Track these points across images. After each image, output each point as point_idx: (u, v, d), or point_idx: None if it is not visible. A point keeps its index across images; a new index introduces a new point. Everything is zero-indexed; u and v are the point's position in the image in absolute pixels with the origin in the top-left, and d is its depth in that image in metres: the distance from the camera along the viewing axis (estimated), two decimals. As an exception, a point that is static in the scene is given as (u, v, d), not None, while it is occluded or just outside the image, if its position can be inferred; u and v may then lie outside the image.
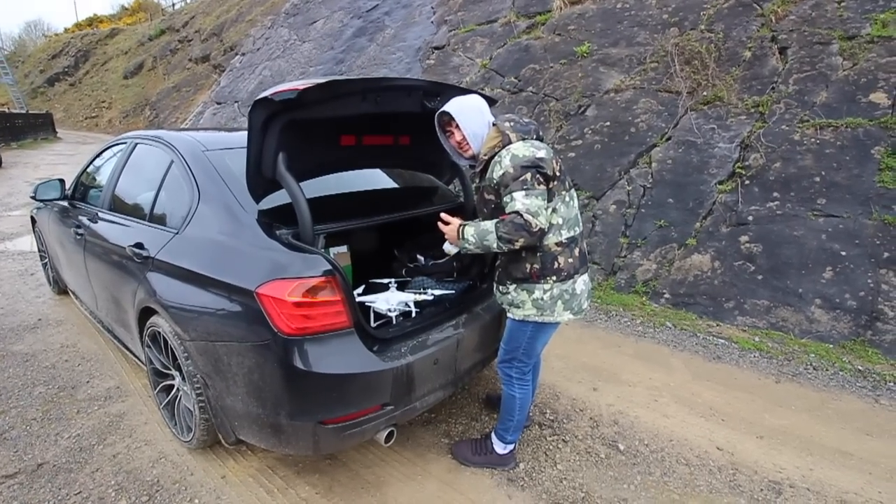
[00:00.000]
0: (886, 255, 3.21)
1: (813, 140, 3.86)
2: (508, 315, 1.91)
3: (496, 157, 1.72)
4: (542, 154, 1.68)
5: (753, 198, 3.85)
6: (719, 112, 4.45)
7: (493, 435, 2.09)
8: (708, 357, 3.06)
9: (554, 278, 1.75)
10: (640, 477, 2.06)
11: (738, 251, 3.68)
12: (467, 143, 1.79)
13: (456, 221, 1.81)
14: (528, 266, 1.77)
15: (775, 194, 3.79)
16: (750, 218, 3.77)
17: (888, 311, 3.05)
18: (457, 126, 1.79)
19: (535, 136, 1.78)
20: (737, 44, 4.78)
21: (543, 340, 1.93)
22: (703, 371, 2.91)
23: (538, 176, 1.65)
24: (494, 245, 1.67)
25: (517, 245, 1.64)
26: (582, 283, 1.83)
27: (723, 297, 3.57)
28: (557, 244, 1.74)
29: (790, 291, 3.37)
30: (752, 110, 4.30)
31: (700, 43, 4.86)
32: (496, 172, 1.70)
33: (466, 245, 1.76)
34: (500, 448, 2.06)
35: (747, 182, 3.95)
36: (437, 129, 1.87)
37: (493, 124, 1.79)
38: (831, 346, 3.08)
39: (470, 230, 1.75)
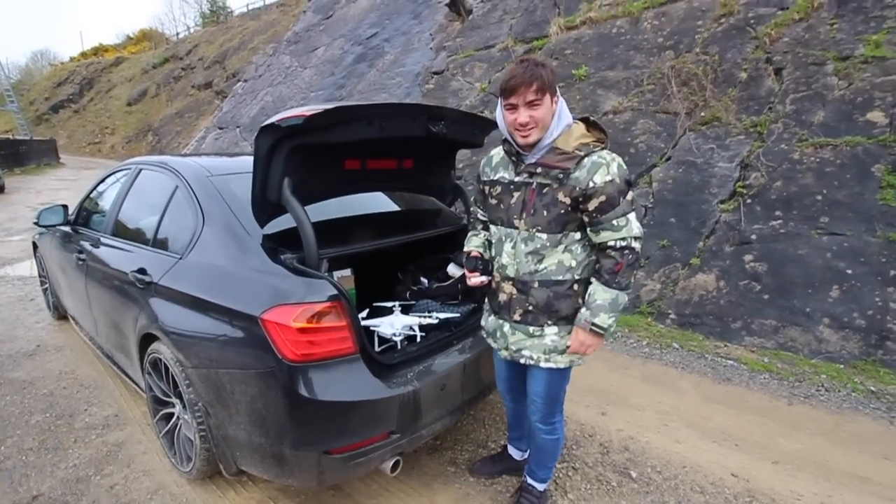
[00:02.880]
0: (893, 272, 3.19)
1: (813, 159, 3.89)
2: (544, 366, 1.58)
3: (594, 158, 1.43)
4: None
5: (756, 216, 3.86)
6: (718, 132, 4.50)
7: (533, 482, 1.90)
8: (717, 379, 3.01)
9: None
10: (655, 506, 1.99)
11: (742, 270, 3.67)
12: (539, 124, 1.44)
13: (586, 338, 1.48)
14: (581, 300, 1.51)
15: (777, 213, 3.79)
16: (753, 237, 3.77)
17: (898, 330, 3.01)
18: (553, 99, 1.44)
19: None
20: (732, 65, 4.86)
21: None
22: (712, 393, 2.85)
23: (632, 197, 1.44)
24: (625, 302, 1.46)
25: (636, 265, 1.45)
26: None
27: (729, 317, 3.53)
28: None
29: (797, 311, 3.34)
30: (751, 130, 4.34)
31: (696, 65, 4.95)
32: (597, 177, 1.40)
33: (612, 330, 1.49)
34: (542, 487, 1.91)
35: (749, 201, 3.96)
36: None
37: (579, 120, 1.54)
38: (842, 366, 3.03)
39: (604, 318, 1.43)
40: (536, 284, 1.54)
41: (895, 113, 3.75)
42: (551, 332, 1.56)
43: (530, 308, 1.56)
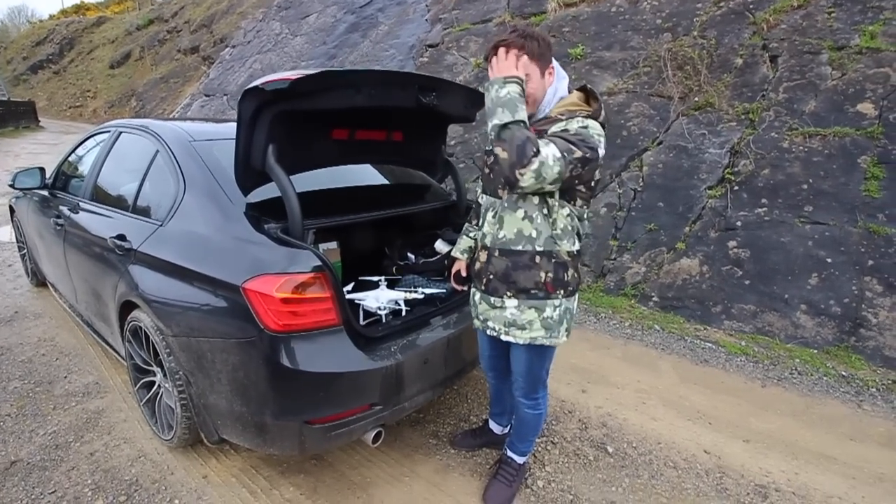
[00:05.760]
0: (871, 262, 3.25)
1: (801, 148, 3.91)
2: (506, 338, 1.58)
3: (570, 120, 1.42)
4: (602, 151, 1.41)
5: (742, 203, 3.89)
6: (710, 118, 4.49)
7: (513, 455, 1.93)
8: (695, 360, 3.07)
9: (562, 292, 1.51)
10: (629, 480, 2.05)
11: (726, 256, 3.71)
12: (528, 99, 1.39)
13: (514, 58, 1.34)
14: (543, 274, 1.47)
15: (763, 200, 3.83)
16: (738, 223, 3.80)
17: (871, 318, 3.10)
18: (544, 71, 1.44)
19: None
20: (728, 51, 4.82)
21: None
22: (690, 374, 2.92)
23: (577, 157, 1.32)
24: (503, 119, 1.28)
25: (503, 154, 1.27)
26: (576, 301, 1.62)
27: (710, 301, 3.59)
28: (569, 253, 1.50)
29: (776, 297, 3.40)
30: (743, 117, 4.34)
31: (693, 49, 4.89)
32: (558, 126, 1.41)
33: (494, 86, 1.32)
34: (521, 460, 1.95)
35: (736, 188, 3.98)
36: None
37: (580, 89, 1.55)
38: (816, 351, 3.12)
39: (513, 87, 1.29)
40: (497, 253, 1.54)
41: (885, 105, 3.77)
42: (511, 304, 1.53)
43: (491, 277, 1.55)
